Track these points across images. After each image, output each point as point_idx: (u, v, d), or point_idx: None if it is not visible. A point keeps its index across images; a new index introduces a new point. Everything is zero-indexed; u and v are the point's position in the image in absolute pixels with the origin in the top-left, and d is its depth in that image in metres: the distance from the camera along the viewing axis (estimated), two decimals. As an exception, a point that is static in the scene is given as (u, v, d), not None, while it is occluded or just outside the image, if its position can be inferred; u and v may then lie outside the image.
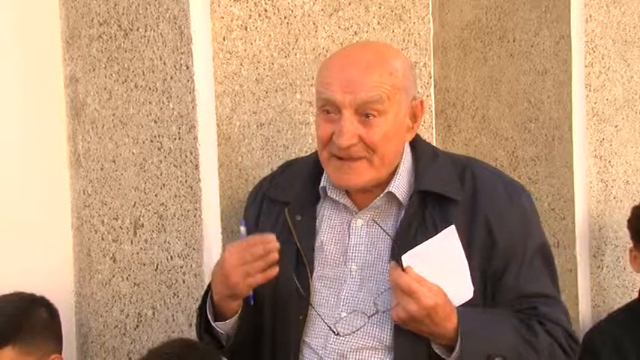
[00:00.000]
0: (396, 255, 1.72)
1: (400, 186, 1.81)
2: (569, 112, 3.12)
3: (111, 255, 2.31)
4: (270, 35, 2.17)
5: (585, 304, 3.13)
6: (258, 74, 2.15)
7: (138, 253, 2.24)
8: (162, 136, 2.16)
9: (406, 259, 1.69)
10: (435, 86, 2.52)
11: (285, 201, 1.88)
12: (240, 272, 1.72)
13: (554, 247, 3.04)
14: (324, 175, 1.86)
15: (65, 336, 2.17)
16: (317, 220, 1.86)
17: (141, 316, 2.25)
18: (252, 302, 1.80)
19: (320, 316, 1.78)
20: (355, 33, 2.30)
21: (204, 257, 2.09)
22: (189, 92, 2.08)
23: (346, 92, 1.72)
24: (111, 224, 2.31)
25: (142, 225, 2.23)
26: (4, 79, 2.32)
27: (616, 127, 3.19)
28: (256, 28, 2.15)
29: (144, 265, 2.23)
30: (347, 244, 1.83)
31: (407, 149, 1.85)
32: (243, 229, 1.81)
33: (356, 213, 1.84)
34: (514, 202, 1.82)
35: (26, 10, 2.34)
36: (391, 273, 1.70)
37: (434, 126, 2.46)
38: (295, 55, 2.21)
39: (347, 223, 1.84)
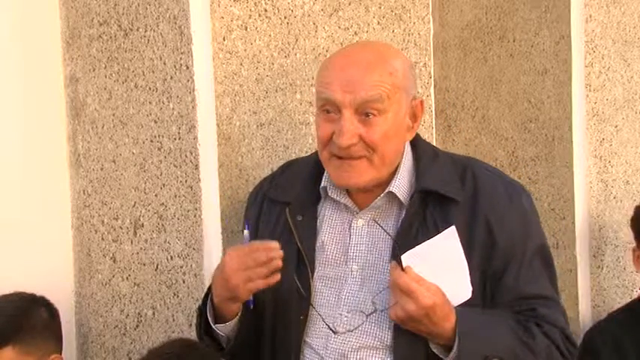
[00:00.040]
0: (396, 255, 1.72)
1: (401, 186, 1.81)
2: (569, 112, 3.12)
3: (111, 255, 2.31)
4: (270, 35, 2.17)
5: (585, 304, 3.13)
6: (258, 74, 2.15)
7: (138, 253, 2.24)
8: (162, 136, 2.15)
9: (406, 258, 1.70)
10: (435, 86, 2.52)
11: (285, 201, 1.88)
12: (241, 276, 1.72)
13: (554, 247, 3.05)
14: (324, 175, 1.86)
15: (65, 336, 2.17)
16: (318, 220, 1.86)
17: (141, 316, 2.26)
18: (251, 306, 1.80)
19: (320, 315, 1.78)
20: (355, 33, 2.30)
21: (204, 257, 2.09)
22: (189, 92, 2.08)
23: (346, 92, 1.72)
24: (111, 224, 2.31)
25: (142, 225, 2.23)
26: (4, 79, 2.32)
27: (616, 127, 3.19)
28: (256, 28, 2.15)
29: (144, 265, 2.23)
30: (348, 244, 1.83)
31: (407, 149, 1.85)
32: (246, 232, 1.80)
33: (357, 213, 1.84)
34: (514, 202, 1.82)
35: (26, 10, 2.34)
36: (391, 273, 1.70)
37: (434, 126, 2.46)
38: (295, 55, 2.21)
39: (348, 223, 1.84)
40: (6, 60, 2.33)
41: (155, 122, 2.17)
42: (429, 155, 1.86)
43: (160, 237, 2.19)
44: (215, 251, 2.09)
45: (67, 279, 2.42)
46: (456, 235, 1.71)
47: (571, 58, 3.10)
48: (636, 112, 3.24)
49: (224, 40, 2.10)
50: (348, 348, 1.76)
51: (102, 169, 2.31)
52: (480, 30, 3.21)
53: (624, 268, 3.18)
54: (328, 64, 1.81)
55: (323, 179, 1.87)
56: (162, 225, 2.18)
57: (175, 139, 2.12)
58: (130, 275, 2.27)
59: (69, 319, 2.39)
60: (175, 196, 2.14)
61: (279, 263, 1.71)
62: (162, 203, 2.17)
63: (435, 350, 1.73)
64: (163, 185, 2.17)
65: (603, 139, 3.15)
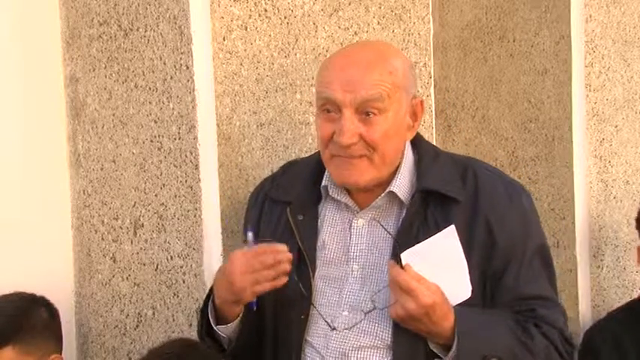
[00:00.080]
0: (397, 254, 1.72)
1: (402, 185, 1.81)
2: (569, 112, 3.12)
3: (111, 255, 2.31)
4: (270, 35, 2.17)
5: (585, 304, 3.13)
6: (258, 74, 2.15)
7: (138, 253, 2.24)
8: (162, 136, 2.16)
9: (405, 257, 1.70)
10: (435, 86, 2.52)
11: (286, 201, 1.88)
12: (247, 279, 1.72)
13: (554, 247, 3.05)
14: (325, 174, 1.86)
15: (65, 336, 2.17)
16: (319, 220, 1.86)
17: (141, 316, 2.25)
18: (254, 308, 1.80)
19: (321, 315, 1.78)
20: (355, 33, 2.30)
21: (204, 257, 2.09)
22: (189, 92, 2.08)
23: (346, 91, 1.72)
24: (111, 224, 2.31)
25: (142, 225, 2.23)
26: (4, 79, 2.32)
27: (616, 127, 3.19)
28: (256, 28, 2.15)
29: (144, 265, 2.23)
30: (349, 243, 1.83)
31: (408, 148, 1.85)
32: (250, 235, 1.80)
33: (357, 212, 1.84)
34: (514, 202, 1.82)
35: (26, 10, 2.34)
36: (390, 270, 1.70)
37: (434, 126, 2.47)
38: (295, 55, 2.21)
39: (348, 223, 1.84)
40: (6, 60, 2.33)
41: (155, 122, 2.17)
42: (430, 155, 1.86)
43: (160, 237, 2.19)
44: (215, 251, 2.09)
45: (67, 279, 2.42)
46: (456, 234, 1.72)
47: (571, 58, 3.10)
48: (636, 112, 3.24)
49: (224, 40, 2.10)
50: (349, 347, 1.77)
51: (102, 169, 2.31)
52: (480, 30, 3.21)
53: (624, 268, 3.18)
54: (328, 63, 1.82)
55: (324, 178, 1.87)
56: (162, 225, 2.18)
57: (175, 139, 2.12)
58: (130, 275, 2.27)
59: (69, 319, 2.39)
60: (175, 196, 2.14)
61: (286, 267, 1.72)
62: (163, 203, 2.17)
63: (434, 349, 1.73)
64: (163, 185, 2.17)
65: (603, 139, 3.15)
